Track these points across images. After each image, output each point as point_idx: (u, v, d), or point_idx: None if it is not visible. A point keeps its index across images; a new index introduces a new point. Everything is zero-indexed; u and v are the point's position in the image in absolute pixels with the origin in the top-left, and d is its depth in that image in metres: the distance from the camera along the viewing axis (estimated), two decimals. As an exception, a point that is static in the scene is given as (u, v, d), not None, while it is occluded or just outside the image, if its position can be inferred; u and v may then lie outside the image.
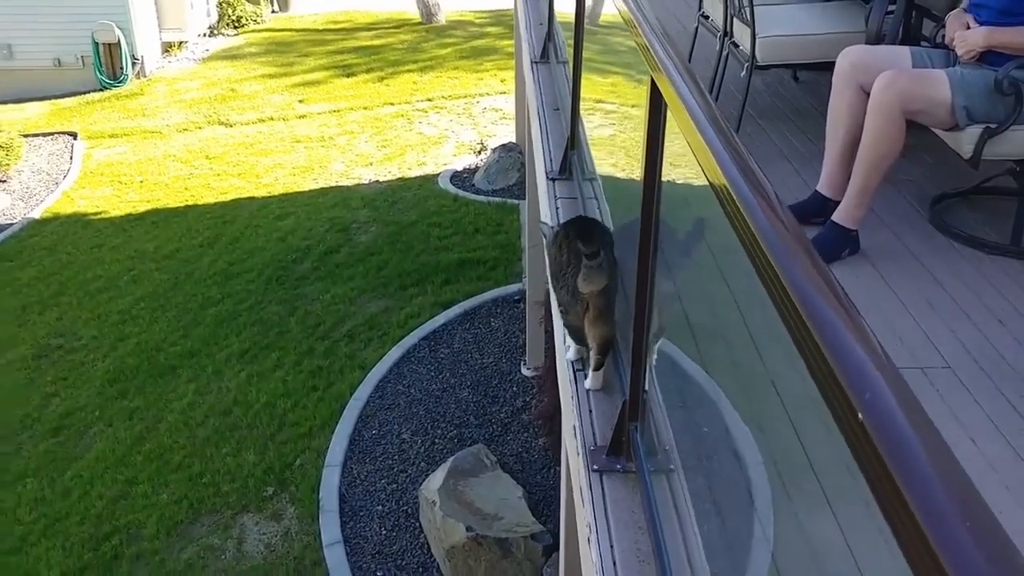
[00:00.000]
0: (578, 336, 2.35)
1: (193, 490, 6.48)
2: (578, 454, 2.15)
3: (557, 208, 3.35)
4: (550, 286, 2.47)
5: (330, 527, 6.06)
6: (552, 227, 2.53)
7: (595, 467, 2.03)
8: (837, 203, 3.11)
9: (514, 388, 7.31)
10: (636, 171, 1.95)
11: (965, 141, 2.87)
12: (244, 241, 9.98)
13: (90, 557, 5.97)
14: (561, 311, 2.40)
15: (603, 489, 1.99)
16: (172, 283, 9.22)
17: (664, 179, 1.82)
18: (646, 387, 2.01)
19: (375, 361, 7.67)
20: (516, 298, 8.31)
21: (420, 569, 5.80)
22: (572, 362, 2.45)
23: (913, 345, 2.54)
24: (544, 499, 6.03)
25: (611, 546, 1.83)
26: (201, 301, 8.81)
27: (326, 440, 6.83)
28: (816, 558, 2.20)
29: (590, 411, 2.25)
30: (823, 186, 3.26)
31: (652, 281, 1.80)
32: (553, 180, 3.53)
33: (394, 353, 7.76)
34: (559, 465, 4.60)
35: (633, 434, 2.00)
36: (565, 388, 2.46)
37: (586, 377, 2.34)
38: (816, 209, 3.23)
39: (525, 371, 7.42)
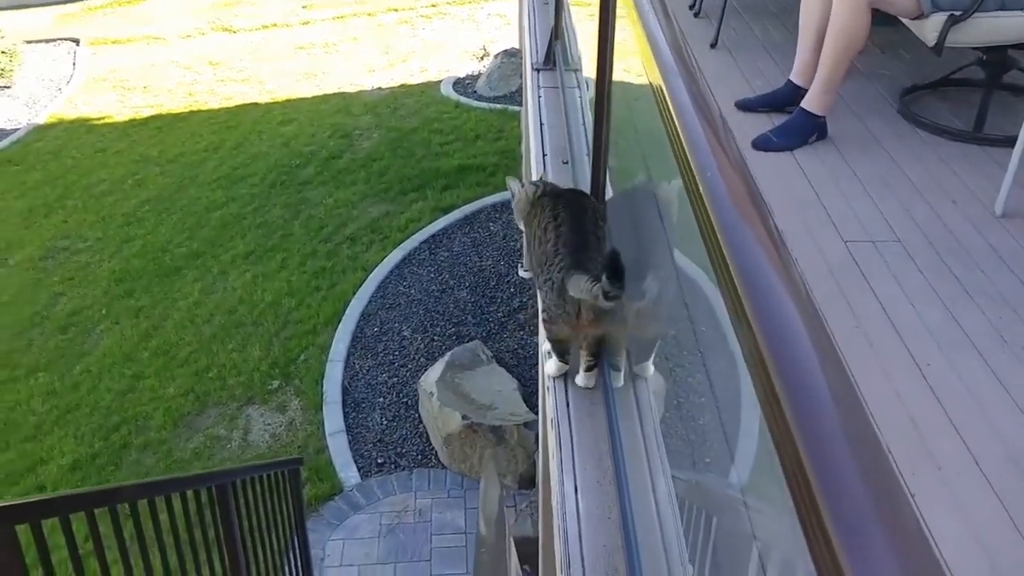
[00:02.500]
0: (562, 351, 1.98)
1: (199, 384, 6.71)
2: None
3: (540, 98, 3.47)
4: (527, 268, 2.02)
5: (333, 417, 6.31)
6: (535, 185, 2.06)
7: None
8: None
9: (511, 289, 7.48)
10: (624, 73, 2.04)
11: (929, 28, 2.96)
12: (248, 146, 10.08)
13: (100, 445, 6.23)
14: (543, 316, 1.96)
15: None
16: (176, 187, 9.36)
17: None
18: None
19: (376, 263, 7.84)
20: (515, 203, 8.41)
21: (419, 456, 6.05)
22: (553, 378, 2.04)
23: (867, 221, 2.68)
24: (538, 392, 6.23)
25: (565, 391, 2.00)
26: (206, 204, 8.96)
27: (329, 337, 7.04)
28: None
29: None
30: (795, 75, 3.37)
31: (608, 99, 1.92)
32: (537, 71, 3.63)
33: (395, 255, 7.92)
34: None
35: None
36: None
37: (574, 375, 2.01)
38: (789, 97, 3.34)
39: (522, 273, 7.52)
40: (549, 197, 1.97)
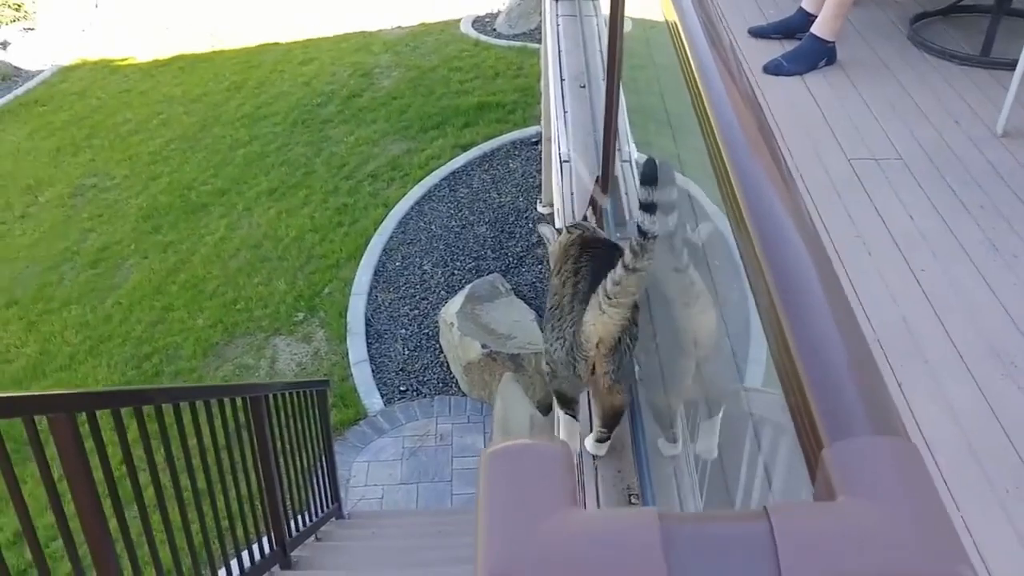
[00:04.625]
0: (568, 402, 1.80)
1: (227, 315, 6.91)
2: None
3: (559, 26, 3.57)
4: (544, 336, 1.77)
5: (357, 347, 6.50)
6: (570, 231, 1.86)
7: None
8: (818, 18, 3.31)
9: (530, 225, 7.60)
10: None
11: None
12: (269, 86, 10.19)
13: (133, 374, 6.45)
14: (546, 368, 1.74)
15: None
16: (200, 126, 9.50)
17: None
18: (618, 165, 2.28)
19: (397, 199, 7.98)
20: (534, 140, 8.51)
21: (440, 384, 6.23)
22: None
23: (872, 141, 2.79)
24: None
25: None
26: (230, 143, 9.10)
27: (352, 271, 7.21)
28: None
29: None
30: (807, 3, 3.45)
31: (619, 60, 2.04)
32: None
33: (415, 192, 8.05)
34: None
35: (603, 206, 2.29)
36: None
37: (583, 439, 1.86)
38: (800, 24, 3.43)
39: (541, 209, 7.69)
40: (577, 247, 1.75)
